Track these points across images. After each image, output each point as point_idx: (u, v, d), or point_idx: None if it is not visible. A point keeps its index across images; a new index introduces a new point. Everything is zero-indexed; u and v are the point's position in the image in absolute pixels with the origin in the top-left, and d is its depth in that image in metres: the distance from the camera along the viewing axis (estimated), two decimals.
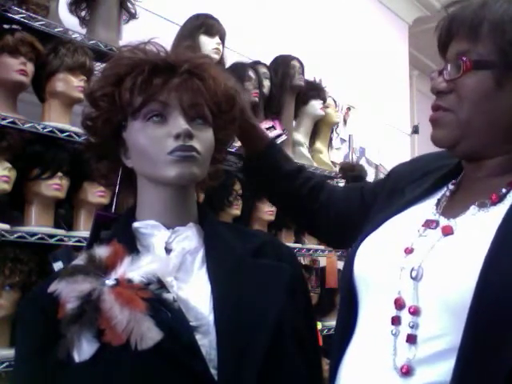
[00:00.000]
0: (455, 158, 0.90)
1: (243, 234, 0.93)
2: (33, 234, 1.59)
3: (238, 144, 2.19)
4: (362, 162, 3.70)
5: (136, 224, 0.87)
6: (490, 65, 0.79)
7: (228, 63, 2.32)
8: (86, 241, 0.99)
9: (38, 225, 1.65)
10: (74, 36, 1.78)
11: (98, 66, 1.82)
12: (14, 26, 1.62)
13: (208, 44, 2.15)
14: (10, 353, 1.47)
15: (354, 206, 1.08)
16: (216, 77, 0.88)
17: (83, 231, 1.73)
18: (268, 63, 2.56)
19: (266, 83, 2.45)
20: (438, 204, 0.87)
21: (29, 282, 1.54)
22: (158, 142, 0.82)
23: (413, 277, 0.76)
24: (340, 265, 2.61)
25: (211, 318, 0.78)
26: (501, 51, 0.79)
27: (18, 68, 1.59)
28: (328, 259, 2.70)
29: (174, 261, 0.83)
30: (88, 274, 0.75)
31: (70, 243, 1.67)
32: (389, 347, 0.76)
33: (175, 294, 0.78)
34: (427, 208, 0.88)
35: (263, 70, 2.45)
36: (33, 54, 1.63)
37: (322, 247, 2.64)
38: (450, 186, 0.89)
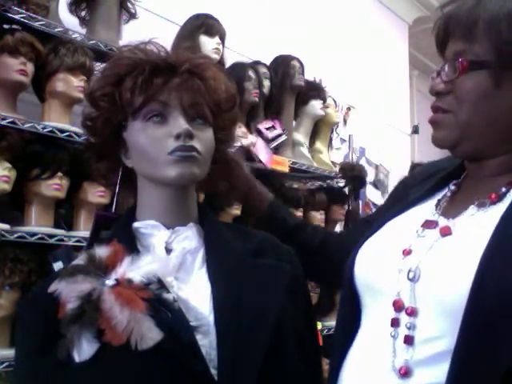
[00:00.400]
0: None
1: (243, 234, 0.93)
2: (33, 234, 1.59)
3: (238, 144, 2.20)
4: (362, 161, 3.70)
5: (136, 224, 0.87)
6: (487, 65, 0.78)
7: (228, 63, 2.32)
8: (86, 241, 0.99)
9: (37, 225, 1.66)
10: (74, 36, 1.78)
11: (98, 66, 1.82)
12: (14, 26, 1.62)
13: (208, 44, 2.15)
14: (9, 353, 1.47)
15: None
16: (216, 77, 0.88)
17: (83, 231, 1.73)
18: (268, 63, 2.56)
19: (266, 83, 2.45)
20: (437, 204, 0.87)
21: (29, 281, 1.55)
22: (158, 142, 0.82)
23: (410, 278, 0.76)
24: None
25: (211, 318, 0.78)
26: (497, 50, 0.77)
27: (18, 68, 1.59)
28: None
29: (174, 261, 0.82)
30: (88, 274, 0.74)
31: (70, 243, 1.67)
32: (388, 349, 0.76)
33: (175, 294, 0.78)
34: (427, 209, 0.87)
35: (263, 70, 2.45)
36: (33, 54, 1.63)
37: None
38: (452, 187, 0.88)
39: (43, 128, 1.63)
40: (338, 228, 2.96)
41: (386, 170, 4.12)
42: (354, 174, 2.84)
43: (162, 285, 0.76)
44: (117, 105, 0.84)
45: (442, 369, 0.69)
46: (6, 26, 1.61)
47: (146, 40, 0.88)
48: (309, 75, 2.74)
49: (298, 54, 2.66)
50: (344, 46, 3.72)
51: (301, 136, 2.75)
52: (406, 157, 4.56)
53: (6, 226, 1.54)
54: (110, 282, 0.74)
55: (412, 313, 0.75)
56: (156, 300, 0.74)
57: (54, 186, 1.64)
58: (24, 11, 1.63)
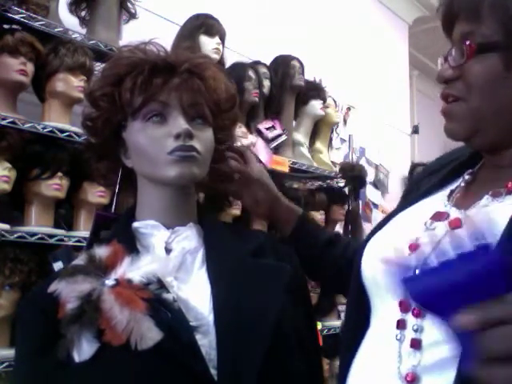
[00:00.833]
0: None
1: (243, 234, 0.93)
2: (33, 234, 1.59)
3: (238, 144, 2.20)
4: (362, 161, 3.70)
5: (136, 224, 0.87)
6: (496, 46, 0.72)
7: (228, 63, 2.32)
8: (86, 241, 0.99)
9: (37, 225, 1.66)
10: (74, 36, 1.78)
11: (98, 66, 1.82)
12: (14, 26, 1.62)
13: (208, 44, 2.15)
14: (9, 353, 1.47)
15: None
16: (216, 76, 0.88)
17: (83, 231, 1.73)
18: (268, 63, 2.56)
19: (266, 83, 2.45)
20: (450, 195, 0.80)
21: (29, 281, 1.54)
22: (157, 142, 0.82)
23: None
24: None
25: (211, 318, 0.78)
26: (505, 30, 0.71)
27: (18, 68, 1.59)
28: None
29: (173, 261, 0.82)
30: (88, 274, 0.74)
31: (70, 243, 1.67)
32: (394, 353, 0.70)
33: (175, 294, 0.78)
34: (438, 200, 0.80)
35: (263, 70, 2.46)
36: (33, 54, 1.63)
37: None
38: (466, 176, 0.82)
39: (43, 128, 1.63)
40: (338, 228, 2.96)
41: (386, 170, 4.12)
42: (354, 174, 2.85)
43: (161, 285, 0.76)
44: (116, 105, 0.84)
45: (452, 375, 0.63)
46: (6, 26, 1.61)
47: (145, 40, 0.88)
48: (309, 75, 2.74)
49: (297, 54, 2.66)
50: (344, 45, 3.72)
51: (301, 136, 2.75)
52: (406, 157, 4.56)
53: (6, 226, 1.54)
54: (109, 282, 0.74)
55: (419, 314, 0.69)
56: (156, 300, 0.74)
57: (54, 186, 1.64)
58: (24, 11, 1.63)
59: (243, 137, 2.24)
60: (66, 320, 0.72)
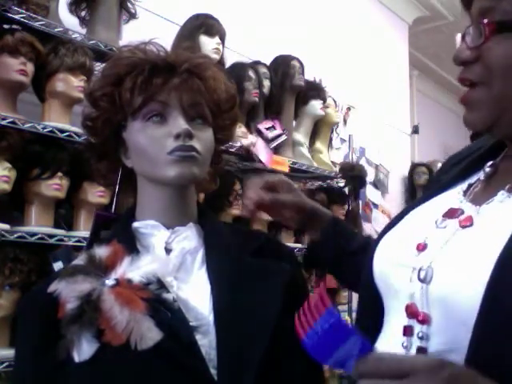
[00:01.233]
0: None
1: (243, 234, 0.93)
2: (33, 234, 1.59)
3: (237, 144, 2.20)
4: (362, 161, 3.70)
5: (136, 224, 0.87)
6: None
7: (228, 63, 2.32)
8: (86, 241, 0.99)
9: (37, 225, 1.66)
10: (74, 36, 1.78)
11: (98, 66, 1.82)
12: (14, 26, 1.63)
13: (208, 44, 2.15)
14: (9, 353, 1.47)
15: None
16: (216, 76, 0.88)
17: (83, 231, 1.73)
18: (268, 63, 2.56)
19: (266, 83, 2.45)
20: (467, 190, 0.73)
21: (29, 281, 1.54)
22: (157, 142, 0.82)
23: (421, 278, 0.65)
24: None
25: (211, 317, 0.78)
26: None
27: (18, 68, 1.59)
28: None
29: (173, 261, 0.82)
30: (88, 274, 0.75)
31: (70, 243, 1.67)
32: None
33: (175, 294, 0.78)
34: (454, 195, 0.74)
35: (263, 70, 2.46)
36: (33, 53, 1.64)
37: None
38: (487, 168, 0.73)
39: (43, 128, 1.63)
40: None
41: (386, 170, 4.12)
42: (353, 174, 2.85)
43: (161, 285, 0.76)
44: (116, 105, 0.84)
45: None
46: (6, 26, 1.61)
47: (145, 40, 0.88)
48: (309, 75, 2.74)
49: (297, 54, 2.66)
50: (344, 45, 3.72)
51: (301, 136, 2.75)
52: (406, 157, 4.56)
53: (6, 226, 1.54)
54: (109, 282, 0.74)
55: (424, 320, 0.64)
56: (156, 300, 0.74)
57: (54, 186, 1.64)
58: (24, 11, 1.63)
59: (243, 137, 2.24)
60: (66, 320, 0.72)
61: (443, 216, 0.70)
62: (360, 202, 3.30)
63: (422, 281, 0.65)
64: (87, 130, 0.90)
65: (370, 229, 3.81)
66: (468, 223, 0.66)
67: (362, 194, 3.56)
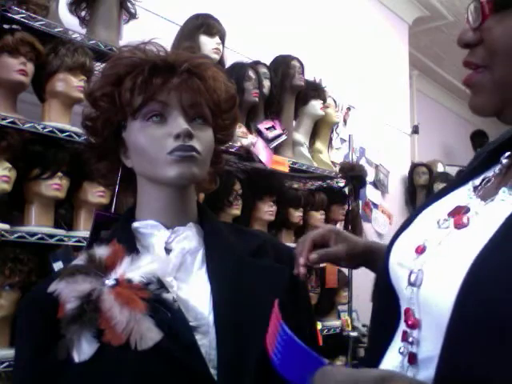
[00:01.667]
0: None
1: (243, 234, 0.93)
2: (33, 234, 1.59)
3: (237, 144, 2.20)
4: (362, 162, 3.70)
5: (136, 224, 0.87)
6: None
7: (228, 63, 2.32)
8: (86, 241, 0.99)
9: (37, 225, 1.66)
10: (73, 36, 1.78)
11: (98, 66, 1.82)
12: (14, 26, 1.63)
13: (208, 44, 2.15)
14: (9, 353, 1.48)
15: None
16: (216, 76, 0.88)
17: (83, 231, 1.74)
18: (268, 63, 2.56)
19: (266, 83, 2.45)
20: (479, 185, 0.68)
21: (29, 281, 1.55)
22: (157, 142, 0.82)
23: (411, 282, 0.63)
24: None
25: (211, 318, 0.78)
26: None
27: (18, 68, 1.59)
28: None
29: (173, 261, 0.83)
30: (88, 274, 0.75)
31: (70, 243, 1.67)
32: (398, 370, 0.64)
33: (175, 294, 0.78)
34: (465, 191, 0.69)
35: (263, 69, 2.46)
36: (33, 53, 1.64)
37: None
38: (504, 160, 0.68)
39: (43, 128, 1.63)
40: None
41: (386, 170, 4.12)
42: (353, 174, 2.85)
43: (161, 285, 0.76)
44: (116, 105, 0.84)
45: None
46: (6, 26, 1.61)
47: (145, 40, 0.88)
48: (309, 75, 2.74)
49: (297, 54, 2.66)
50: (344, 45, 3.72)
51: (301, 136, 2.75)
52: (406, 157, 4.56)
53: (6, 226, 1.54)
54: (109, 282, 0.74)
55: (414, 325, 0.63)
56: (155, 300, 0.74)
57: (54, 186, 1.64)
58: (24, 11, 1.63)
59: (243, 137, 2.24)
60: (66, 320, 0.72)
61: (448, 214, 0.66)
62: (360, 202, 3.30)
63: (413, 284, 0.63)
64: (87, 130, 0.90)
65: (370, 229, 3.82)
66: (463, 223, 0.62)
67: (362, 193, 3.56)
